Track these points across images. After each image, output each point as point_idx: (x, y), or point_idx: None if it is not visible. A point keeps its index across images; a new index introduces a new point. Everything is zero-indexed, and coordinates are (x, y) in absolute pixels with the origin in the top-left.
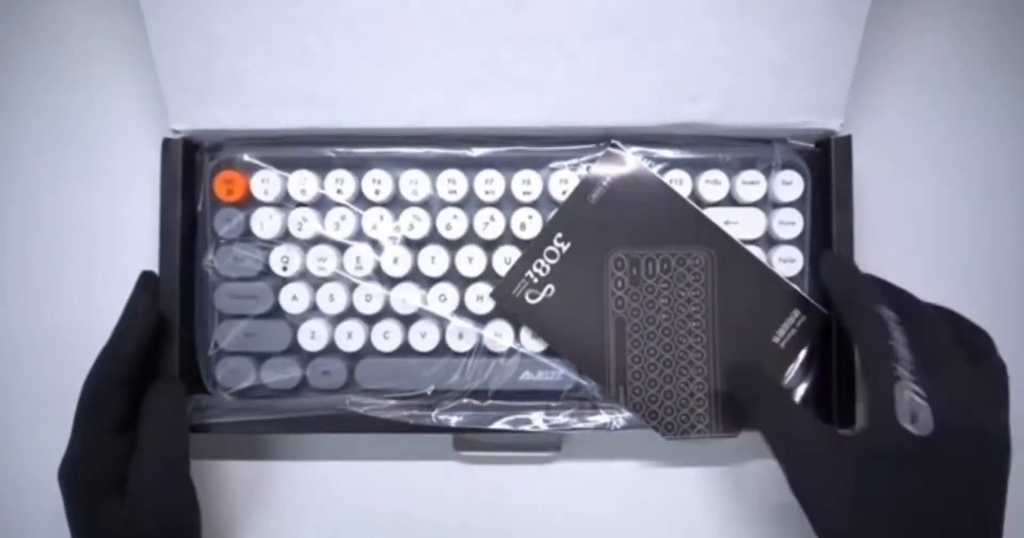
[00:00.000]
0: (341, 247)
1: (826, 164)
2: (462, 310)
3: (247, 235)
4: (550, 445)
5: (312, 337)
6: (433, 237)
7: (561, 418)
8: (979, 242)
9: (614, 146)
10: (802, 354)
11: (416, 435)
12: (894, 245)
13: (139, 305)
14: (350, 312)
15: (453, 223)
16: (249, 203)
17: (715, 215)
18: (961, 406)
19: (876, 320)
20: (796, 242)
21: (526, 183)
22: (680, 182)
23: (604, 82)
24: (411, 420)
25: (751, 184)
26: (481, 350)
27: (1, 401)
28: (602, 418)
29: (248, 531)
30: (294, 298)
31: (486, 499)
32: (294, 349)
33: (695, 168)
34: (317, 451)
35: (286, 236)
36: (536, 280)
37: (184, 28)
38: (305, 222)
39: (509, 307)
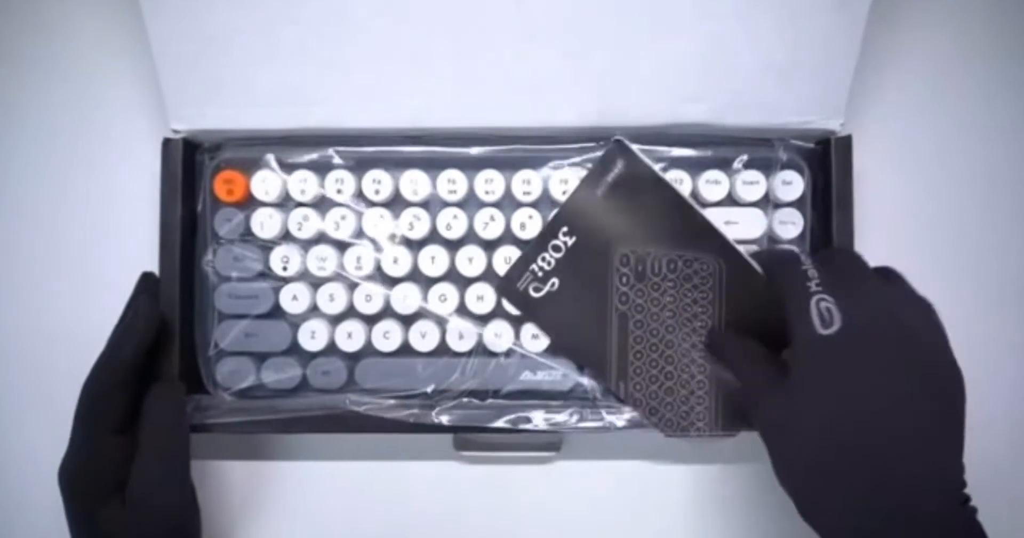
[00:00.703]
0: (341, 247)
1: (826, 164)
2: (462, 310)
3: (247, 235)
4: (550, 445)
5: (312, 337)
6: (433, 237)
7: (561, 418)
8: (979, 242)
9: (619, 142)
10: None
11: (416, 435)
12: (894, 245)
13: (139, 307)
14: (350, 312)
15: (453, 223)
16: (249, 203)
17: (715, 215)
18: (873, 308)
19: (790, 255)
20: (796, 242)
21: (526, 183)
22: (680, 182)
23: (604, 82)
24: (411, 420)
25: (751, 184)
26: (481, 350)
27: (0, 401)
28: (603, 418)
29: (248, 531)
30: (294, 298)
31: (486, 499)
32: (294, 349)
33: (695, 168)
34: (317, 451)
35: (286, 236)
36: (541, 274)
37: (184, 28)
38: (305, 222)
39: (513, 301)
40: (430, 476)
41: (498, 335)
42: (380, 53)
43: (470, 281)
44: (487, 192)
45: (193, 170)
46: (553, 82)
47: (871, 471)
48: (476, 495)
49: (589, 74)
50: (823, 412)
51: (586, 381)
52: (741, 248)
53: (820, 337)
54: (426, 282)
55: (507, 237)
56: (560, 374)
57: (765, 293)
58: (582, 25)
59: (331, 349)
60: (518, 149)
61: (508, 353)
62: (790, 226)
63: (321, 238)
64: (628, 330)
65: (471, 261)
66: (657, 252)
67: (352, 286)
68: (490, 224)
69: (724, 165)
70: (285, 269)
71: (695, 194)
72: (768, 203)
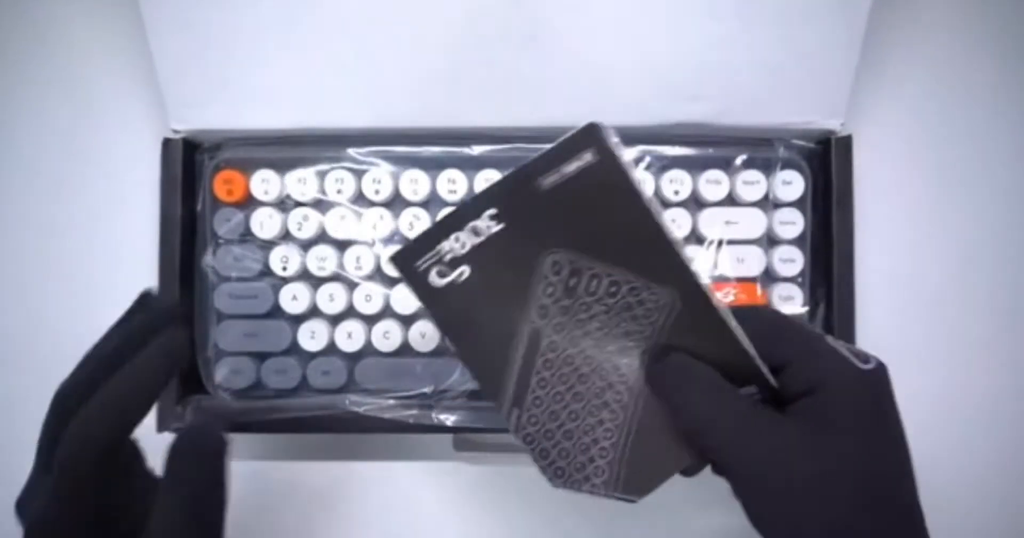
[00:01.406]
0: (341, 247)
1: (827, 164)
2: None
3: (247, 235)
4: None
5: (312, 337)
6: None
7: None
8: (980, 242)
9: (594, 127)
10: None
11: (416, 435)
12: (894, 245)
13: (173, 339)
14: (350, 312)
15: None
16: (249, 203)
17: (715, 215)
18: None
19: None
20: (796, 242)
21: None
22: (681, 182)
23: (604, 81)
24: (411, 420)
25: (751, 184)
26: None
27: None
28: None
29: (247, 530)
30: (294, 298)
31: (486, 499)
32: (294, 349)
33: (695, 168)
34: (317, 451)
35: (286, 236)
36: (448, 258)
37: (183, 28)
38: (305, 222)
39: (408, 281)
40: (430, 476)
41: None
42: (380, 53)
43: None
44: None
45: (193, 170)
46: (553, 81)
47: (901, 516)
48: (476, 495)
49: (589, 73)
50: (865, 457)
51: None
52: (710, 290)
53: (863, 371)
54: None
55: None
56: None
57: (722, 348)
58: (582, 24)
59: (331, 349)
60: (518, 148)
61: None
62: (790, 226)
63: (321, 238)
64: (539, 350)
65: None
66: (600, 269)
67: (352, 286)
68: None
69: (724, 165)
70: (285, 269)
71: (695, 194)
72: (768, 203)
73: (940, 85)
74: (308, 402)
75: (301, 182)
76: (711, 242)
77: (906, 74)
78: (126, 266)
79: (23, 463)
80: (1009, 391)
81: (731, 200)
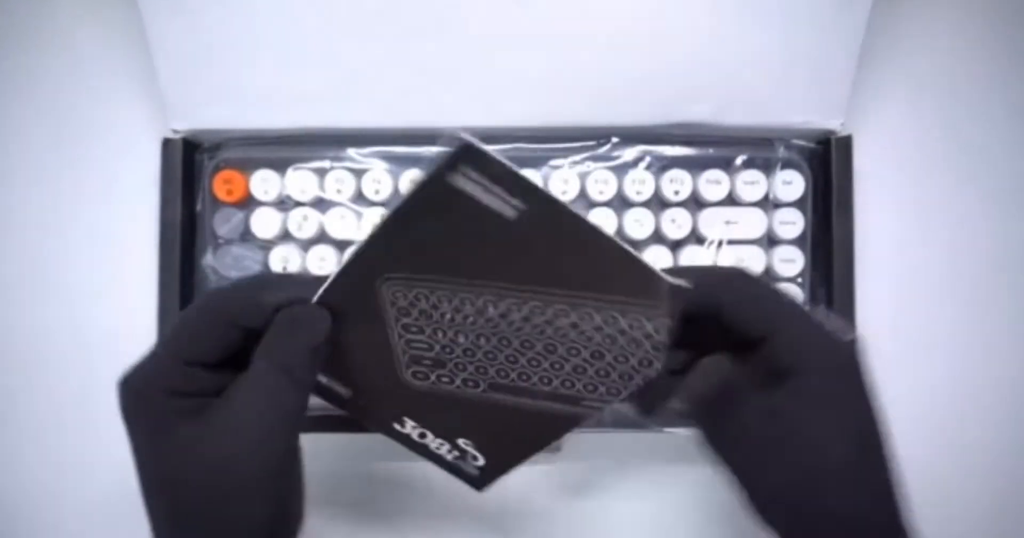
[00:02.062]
0: (341, 247)
1: (827, 164)
2: None
3: (247, 235)
4: (551, 446)
5: None
6: None
7: None
8: (980, 241)
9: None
10: None
11: None
12: (894, 245)
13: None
14: None
15: None
16: (249, 203)
17: (715, 215)
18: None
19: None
20: (796, 242)
21: None
22: (681, 182)
23: (604, 82)
24: None
25: (751, 184)
26: None
27: None
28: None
29: None
30: None
31: (486, 499)
32: None
33: (695, 168)
34: (317, 451)
35: (286, 236)
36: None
37: (183, 28)
38: (305, 222)
39: None
40: (430, 476)
41: None
42: (380, 53)
43: None
44: None
45: (193, 170)
46: (553, 81)
47: (877, 472)
48: (476, 495)
49: (589, 73)
50: (850, 434)
51: None
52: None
53: (846, 349)
54: None
55: None
56: None
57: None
58: (583, 24)
59: None
60: (518, 148)
61: None
62: (790, 226)
63: (321, 238)
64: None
65: None
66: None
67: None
68: None
69: (724, 165)
70: (285, 269)
71: (695, 194)
72: (768, 203)
73: (940, 85)
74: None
75: (301, 182)
76: (711, 242)
77: (906, 74)
78: (126, 266)
79: (23, 461)
80: (1009, 390)
81: (731, 200)
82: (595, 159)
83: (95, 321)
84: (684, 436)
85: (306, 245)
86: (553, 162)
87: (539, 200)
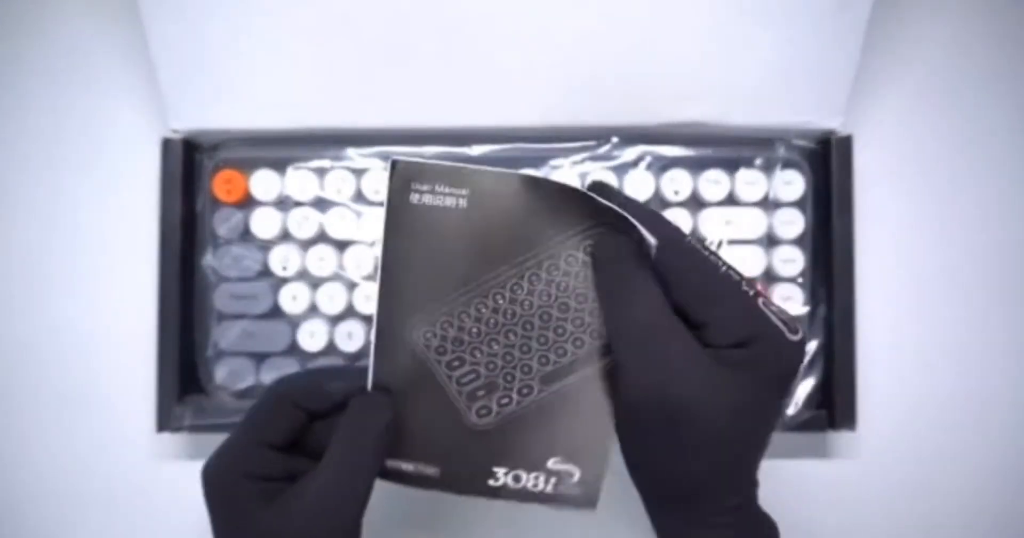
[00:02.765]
0: (341, 247)
1: (827, 164)
2: None
3: (246, 235)
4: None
5: (312, 337)
6: None
7: None
8: (980, 241)
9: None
10: None
11: None
12: (895, 245)
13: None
14: (350, 312)
15: None
16: (248, 203)
17: (715, 215)
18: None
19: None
20: (797, 242)
21: None
22: (681, 182)
23: (604, 82)
24: None
25: (751, 184)
26: None
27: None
28: None
29: None
30: (294, 298)
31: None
32: (294, 349)
33: (695, 168)
34: None
35: (286, 236)
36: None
37: (183, 28)
38: (305, 222)
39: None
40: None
41: None
42: (380, 53)
43: None
44: None
45: (192, 170)
46: (553, 81)
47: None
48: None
49: (590, 73)
50: (767, 414)
51: None
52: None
53: (791, 343)
54: None
55: None
56: None
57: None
58: (583, 24)
59: (331, 349)
60: (518, 148)
61: None
62: (790, 226)
63: (321, 238)
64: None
65: None
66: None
67: (352, 286)
68: None
69: (724, 165)
70: (284, 269)
71: (695, 194)
72: (768, 203)
73: (940, 85)
74: None
75: (301, 182)
76: (711, 242)
77: (906, 74)
78: (126, 266)
79: (23, 459)
80: (1009, 390)
81: (731, 200)
82: (595, 159)
83: (95, 321)
84: None
85: (306, 245)
86: (553, 162)
87: (472, 178)
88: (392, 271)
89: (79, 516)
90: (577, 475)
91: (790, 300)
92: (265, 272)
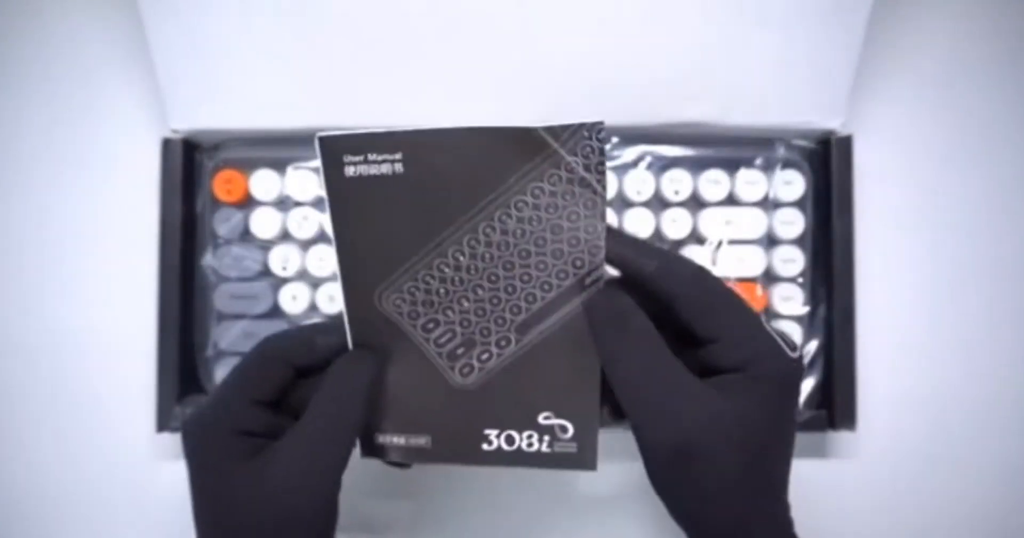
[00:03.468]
0: None
1: (827, 164)
2: None
3: (246, 235)
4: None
5: None
6: None
7: None
8: (980, 242)
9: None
10: None
11: None
12: (895, 245)
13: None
14: None
15: None
16: (248, 203)
17: (715, 215)
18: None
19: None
20: (797, 242)
21: None
22: (681, 182)
23: (604, 82)
24: None
25: (751, 184)
26: None
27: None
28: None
29: None
30: (294, 298)
31: (486, 499)
32: None
33: (695, 167)
34: None
35: (286, 236)
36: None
37: (183, 28)
38: (305, 222)
39: (324, 167)
40: (430, 476)
41: None
42: (380, 53)
43: None
44: None
45: (192, 170)
46: (553, 81)
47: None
48: (476, 495)
49: (589, 73)
50: (774, 436)
51: None
52: None
53: (791, 360)
54: None
55: None
56: None
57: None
58: (583, 24)
59: None
60: None
61: None
62: (790, 226)
63: (321, 238)
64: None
65: None
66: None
67: None
68: None
69: (724, 165)
70: (284, 269)
71: (695, 194)
72: (768, 203)
73: (940, 85)
74: None
75: (301, 182)
76: (711, 242)
77: (906, 74)
78: (126, 266)
79: (23, 459)
80: (1009, 391)
81: (731, 200)
82: None
83: (95, 321)
84: None
85: (306, 245)
86: None
87: (402, 141)
88: (347, 247)
89: (79, 516)
90: (571, 430)
91: (790, 300)
92: (265, 272)
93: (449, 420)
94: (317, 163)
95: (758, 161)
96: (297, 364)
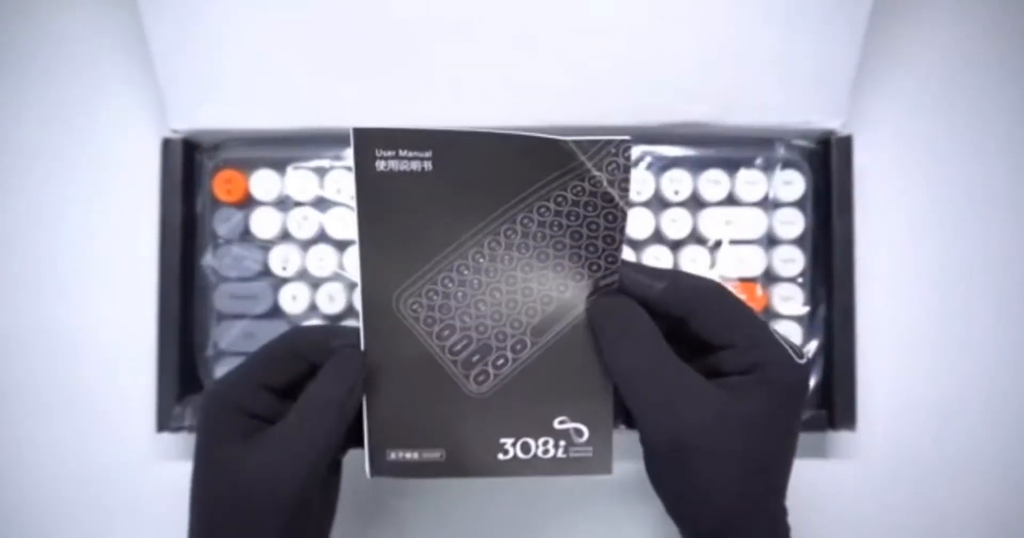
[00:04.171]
0: (341, 247)
1: (827, 164)
2: None
3: (246, 235)
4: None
5: None
6: None
7: None
8: (980, 242)
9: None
10: None
11: None
12: (895, 245)
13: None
14: (350, 312)
15: None
16: (248, 203)
17: (715, 215)
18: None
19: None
20: (797, 242)
21: None
22: (681, 182)
23: (605, 82)
24: None
25: (751, 184)
26: None
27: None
28: None
29: None
30: (294, 298)
31: (486, 499)
32: None
33: (695, 168)
34: None
35: (285, 236)
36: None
37: (183, 28)
38: (305, 222)
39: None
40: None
41: None
42: (381, 53)
43: None
44: None
45: (192, 170)
46: (553, 81)
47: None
48: (475, 495)
49: (589, 73)
50: (777, 439)
51: None
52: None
53: (798, 366)
54: None
55: None
56: None
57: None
58: (583, 25)
59: None
60: None
61: None
62: (790, 226)
63: (321, 238)
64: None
65: None
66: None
67: (352, 286)
68: None
69: (724, 165)
70: (284, 269)
71: (695, 194)
72: (768, 203)
73: (940, 85)
74: None
75: (301, 182)
76: (711, 242)
77: (906, 74)
78: (126, 266)
79: (23, 459)
80: (1009, 391)
81: (731, 200)
82: None
83: (95, 321)
84: None
85: (306, 245)
86: None
87: (433, 139)
88: (371, 244)
89: (79, 516)
90: (586, 433)
91: (790, 300)
92: (265, 272)
93: (464, 431)
94: (317, 163)
95: (758, 161)
96: (312, 360)
